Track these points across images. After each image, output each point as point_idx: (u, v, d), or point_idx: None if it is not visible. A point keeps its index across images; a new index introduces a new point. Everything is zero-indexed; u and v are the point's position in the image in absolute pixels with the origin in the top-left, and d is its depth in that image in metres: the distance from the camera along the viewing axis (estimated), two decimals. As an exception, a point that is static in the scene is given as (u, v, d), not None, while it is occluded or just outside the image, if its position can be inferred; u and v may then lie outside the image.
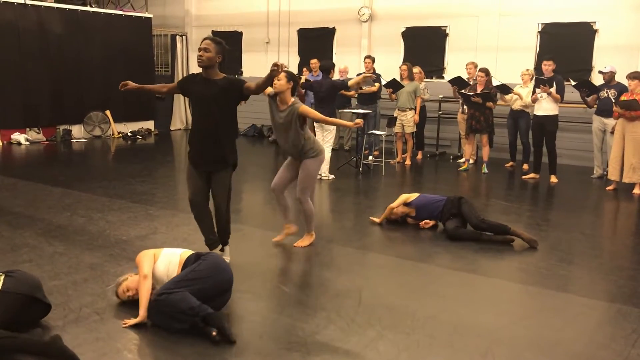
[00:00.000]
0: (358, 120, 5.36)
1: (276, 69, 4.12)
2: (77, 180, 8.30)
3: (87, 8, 13.20)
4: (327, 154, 8.69)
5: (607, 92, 8.69)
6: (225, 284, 3.82)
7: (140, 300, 3.68)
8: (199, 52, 4.46)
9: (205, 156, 4.63)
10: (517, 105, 9.71)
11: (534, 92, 8.92)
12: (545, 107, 8.65)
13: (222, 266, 3.87)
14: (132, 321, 3.63)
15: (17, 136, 11.92)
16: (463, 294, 4.35)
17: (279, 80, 4.96)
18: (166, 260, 3.89)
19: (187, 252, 3.98)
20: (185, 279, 3.66)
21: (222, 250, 4.85)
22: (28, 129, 12.24)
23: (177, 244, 5.24)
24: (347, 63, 12.14)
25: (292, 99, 5.10)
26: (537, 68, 10.21)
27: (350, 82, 8.04)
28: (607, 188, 8.33)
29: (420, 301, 4.18)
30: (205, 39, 4.54)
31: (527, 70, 9.77)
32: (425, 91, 10.66)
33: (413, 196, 6.22)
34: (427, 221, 6.07)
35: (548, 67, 8.64)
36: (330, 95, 8.43)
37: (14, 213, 6.38)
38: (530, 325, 3.82)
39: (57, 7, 12.51)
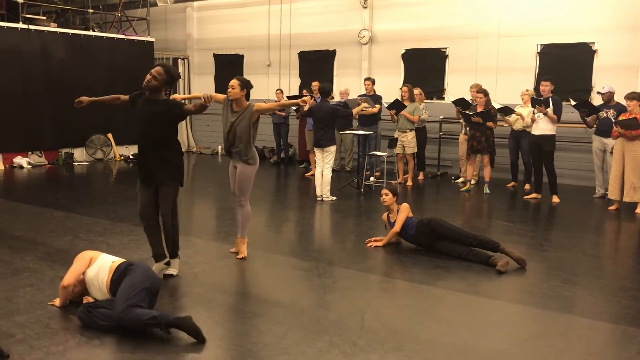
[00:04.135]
0: (305, 98, 5.78)
1: (205, 102, 4.52)
2: (79, 203, 8.31)
3: (90, 32, 13.36)
4: (328, 174, 8.71)
5: (606, 112, 8.73)
6: (155, 289, 4.09)
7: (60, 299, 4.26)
8: (148, 76, 4.72)
9: (149, 170, 4.83)
10: (518, 126, 9.74)
11: (533, 112, 8.95)
12: (542, 127, 8.66)
13: (152, 273, 4.18)
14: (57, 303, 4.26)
15: (19, 160, 11.98)
16: (466, 317, 4.32)
17: (233, 89, 5.33)
18: (98, 266, 4.21)
19: (118, 261, 4.24)
20: (127, 292, 3.87)
21: (167, 264, 5.00)
22: (30, 153, 12.31)
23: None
24: (348, 85, 12.25)
25: (248, 102, 5.40)
26: (537, 89, 10.26)
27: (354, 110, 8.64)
28: (610, 208, 8.31)
29: (423, 324, 4.15)
30: (158, 65, 4.89)
31: (527, 90, 9.82)
32: (424, 111, 10.71)
33: (410, 214, 6.25)
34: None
35: (545, 87, 8.68)
36: (329, 119, 8.60)
37: (15, 237, 6.38)
38: (534, 347, 3.78)
39: (60, 32, 12.66)
